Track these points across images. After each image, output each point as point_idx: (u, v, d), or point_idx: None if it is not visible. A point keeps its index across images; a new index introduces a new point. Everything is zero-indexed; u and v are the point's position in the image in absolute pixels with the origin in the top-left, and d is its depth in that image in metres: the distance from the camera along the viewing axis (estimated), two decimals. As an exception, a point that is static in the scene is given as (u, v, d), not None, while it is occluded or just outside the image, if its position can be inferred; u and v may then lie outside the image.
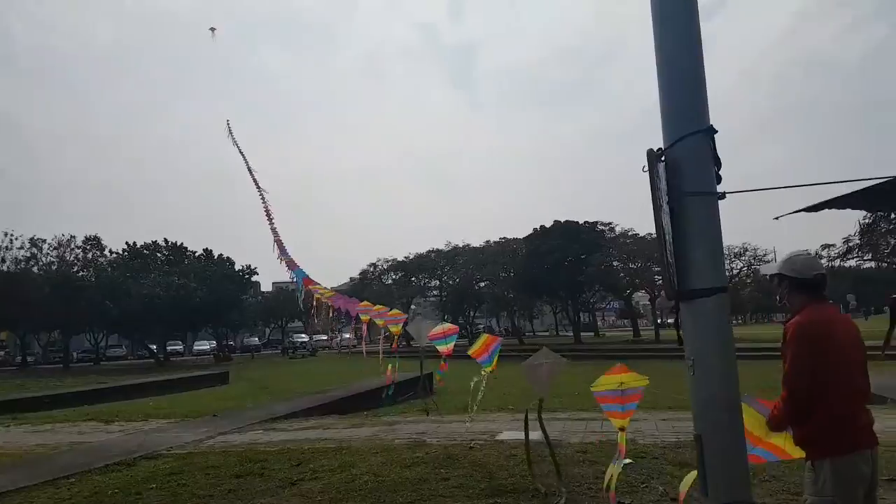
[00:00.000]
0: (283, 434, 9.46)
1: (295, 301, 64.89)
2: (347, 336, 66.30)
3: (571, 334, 48.55)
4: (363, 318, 6.74)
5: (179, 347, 63.48)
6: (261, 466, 7.02)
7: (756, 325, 79.96)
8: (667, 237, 2.06)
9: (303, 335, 64.58)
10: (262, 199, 8.06)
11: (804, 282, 2.60)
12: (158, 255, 51.68)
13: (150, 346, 52.43)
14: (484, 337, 6.07)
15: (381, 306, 6.68)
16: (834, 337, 2.48)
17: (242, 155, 8.41)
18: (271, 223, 7.86)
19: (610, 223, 43.67)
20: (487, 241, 50.74)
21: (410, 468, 6.40)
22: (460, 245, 51.44)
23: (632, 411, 4.04)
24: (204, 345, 63.50)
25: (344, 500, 5.45)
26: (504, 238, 50.03)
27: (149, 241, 51.77)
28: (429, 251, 52.15)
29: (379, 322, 6.59)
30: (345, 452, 7.45)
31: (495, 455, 6.82)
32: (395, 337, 6.76)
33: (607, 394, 4.16)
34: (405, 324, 6.64)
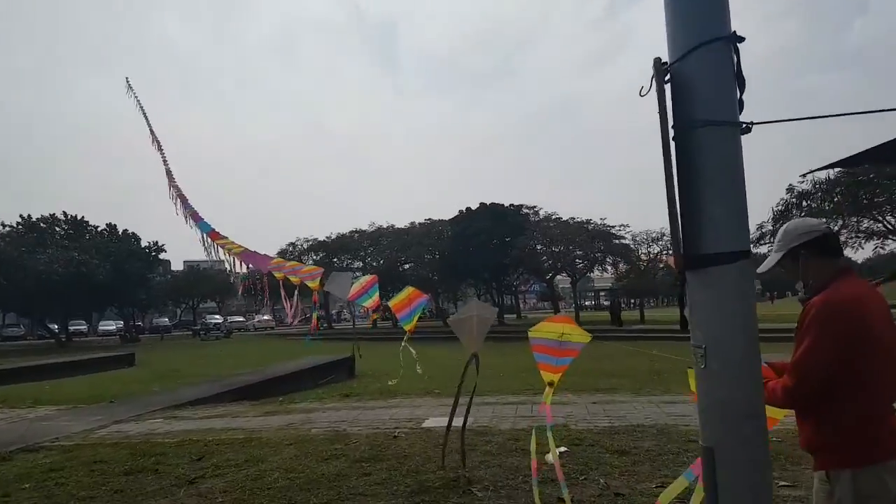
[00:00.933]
0: (186, 423, 8.62)
1: (207, 280, 62.84)
2: (265, 317, 64.81)
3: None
4: (277, 275, 5.98)
5: (84, 328, 60.46)
6: (156, 461, 6.22)
7: (668, 307, 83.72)
8: (674, 182, 1.53)
9: (216, 316, 62.29)
10: (161, 152, 7.14)
11: (819, 240, 2.17)
12: (57, 228, 47.92)
13: (52, 326, 49.09)
14: (408, 290, 5.43)
15: (294, 262, 5.96)
16: (869, 318, 2.01)
17: (143, 112, 7.42)
18: (170, 177, 6.97)
19: (534, 206, 44.03)
20: (412, 223, 49.99)
21: (328, 462, 5.78)
22: (384, 226, 50.45)
23: (564, 367, 3.58)
24: (110, 325, 60.81)
25: (249, 500, 4.78)
26: (429, 219, 49.41)
27: (46, 214, 47.89)
28: (351, 231, 50.77)
29: (294, 279, 5.86)
30: (254, 444, 6.73)
31: (422, 445, 6.29)
32: (315, 292, 6.03)
33: (544, 342, 3.69)
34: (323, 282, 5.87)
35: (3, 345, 50.07)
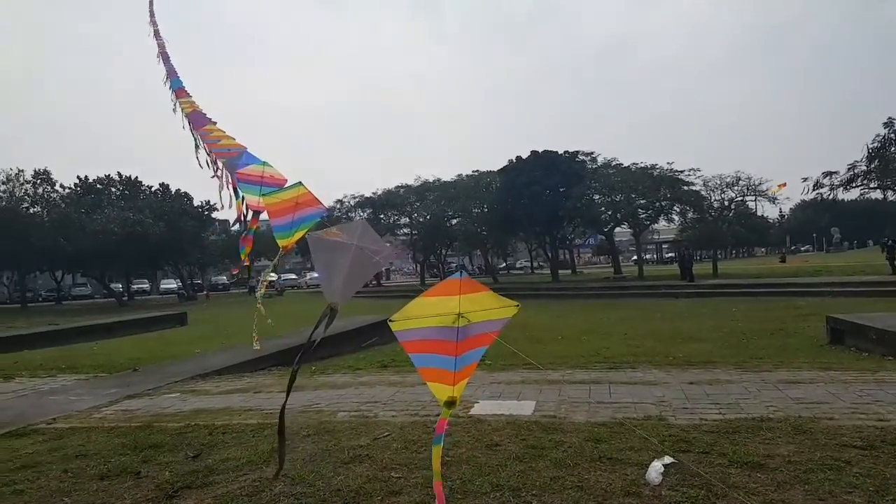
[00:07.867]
0: (203, 399, 7.48)
1: (262, 237, 63.02)
2: (316, 275, 64.84)
3: (548, 272, 47.07)
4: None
5: (146, 286, 62.42)
6: (145, 458, 5.01)
7: (739, 259, 79.36)
8: None
9: (272, 274, 62.71)
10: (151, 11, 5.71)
11: None
12: (113, 189, 49.05)
13: (114, 285, 50.82)
14: (299, 189, 3.29)
15: (219, 131, 4.35)
16: None
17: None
18: (154, 23, 5.56)
19: (591, 153, 41.50)
20: (459, 175, 48.33)
21: (348, 467, 4.41)
22: (430, 180, 48.89)
23: (469, 369, 1.91)
24: (171, 283, 62.67)
25: (233, 533, 3.47)
26: (477, 171, 47.61)
27: (102, 176, 48.78)
28: (397, 187, 49.51)
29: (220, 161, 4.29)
30: (266, 435, 5.45)
31: (469, 443, 4.84)
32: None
33: (426, 334, 1.97)
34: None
35: (70, 304, 52.10)
